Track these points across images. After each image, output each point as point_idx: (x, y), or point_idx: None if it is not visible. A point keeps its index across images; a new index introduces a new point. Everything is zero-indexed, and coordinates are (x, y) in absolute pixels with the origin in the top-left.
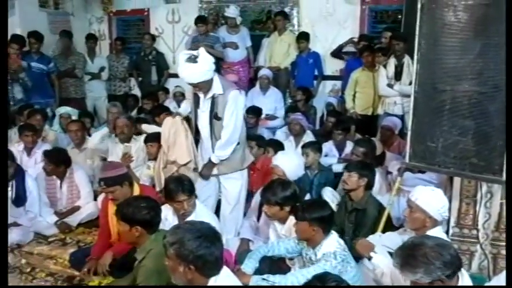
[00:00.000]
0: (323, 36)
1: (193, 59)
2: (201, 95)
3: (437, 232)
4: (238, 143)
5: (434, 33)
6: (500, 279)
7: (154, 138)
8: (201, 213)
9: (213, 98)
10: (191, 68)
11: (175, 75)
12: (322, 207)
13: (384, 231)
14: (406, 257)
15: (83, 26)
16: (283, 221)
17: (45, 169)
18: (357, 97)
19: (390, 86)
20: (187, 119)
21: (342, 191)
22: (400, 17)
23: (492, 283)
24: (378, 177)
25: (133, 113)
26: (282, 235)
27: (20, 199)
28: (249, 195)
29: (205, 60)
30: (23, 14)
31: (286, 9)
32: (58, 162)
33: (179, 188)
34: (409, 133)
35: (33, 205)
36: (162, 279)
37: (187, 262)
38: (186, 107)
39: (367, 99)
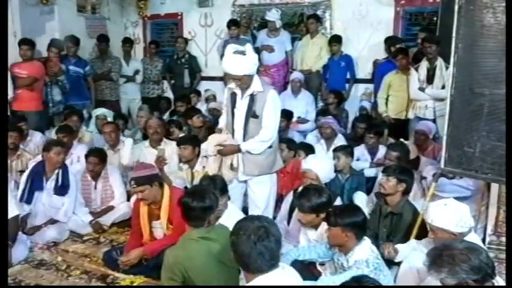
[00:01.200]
0: (356, 39)
1: (241, 52)
2: (238, 93)
3: (470, 238)
4: (271, 146)
5: (472, 36)
6: None
7: (187, 141)
8: (233, 213)
9: (252, 96)
10: (239, 59)
11: (208, 78)
12: (355, 212)
13: (418, 238)
14: (434, 256)
15: (118, 30)
16: (315, 227)
17: (90, 171)
18: (390, 101)
19: (422, 89)
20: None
21: (374, 196)
22: (435, 19)
23: None
24: None
25: (166, 115)
26: (313, 240)
27: (64, 187)
28: (279, 199)
29: (252, 55)
30: (62, 18)
31: (319, 12)
32: (104, 160)
33: (211, 185)
34: (444, 137)
35: (71, 198)
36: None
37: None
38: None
39: (401, 102)
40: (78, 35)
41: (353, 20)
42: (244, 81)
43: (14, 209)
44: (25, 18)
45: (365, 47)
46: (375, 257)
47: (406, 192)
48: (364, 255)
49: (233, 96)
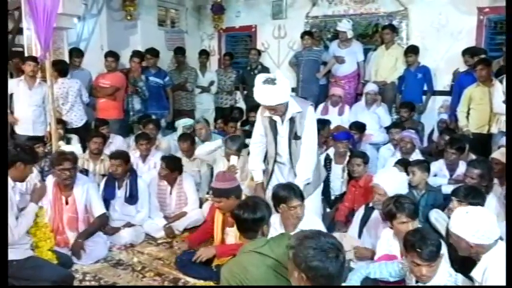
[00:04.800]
0: (434, 50)
1: (271, 81)
2: (278, 119)
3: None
4: None
5: None
6: None
7: None
8: (308, 217)
9: (292, 119)
10: (270, 89)
11: None
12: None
13: None
14: None
15: (195, 43)
16: None
17: (159, 173)
18: (471, 114)
19: None
20: None
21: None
22: None
23: None
24: (495, 203)
25: (238, 125)
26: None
27: (133, 197)
28: (350, 213)
29: (283, 82)
30: (144, 32)
31: (395, 22)
32: (173, 168)
33: (291, 193)
34: None
35: (143, 205)
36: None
37: (300, 270)
38: None
39: (483, 116)
40: (158, 48)
41: (431, 30)
42: (279, 110)
43: (101, 208)
44: (111, 33)
45: (444, 57)
46: (453, 282)
47: None
48: (441, 280)
49: (272, 123)
